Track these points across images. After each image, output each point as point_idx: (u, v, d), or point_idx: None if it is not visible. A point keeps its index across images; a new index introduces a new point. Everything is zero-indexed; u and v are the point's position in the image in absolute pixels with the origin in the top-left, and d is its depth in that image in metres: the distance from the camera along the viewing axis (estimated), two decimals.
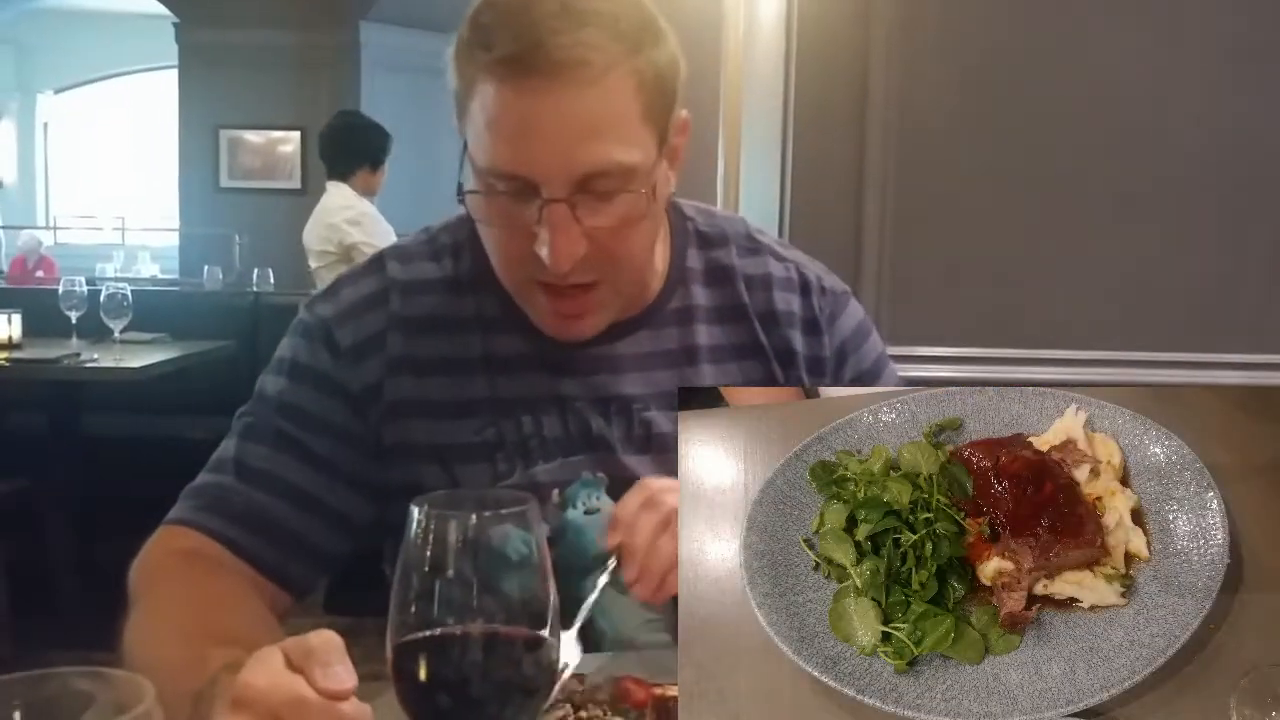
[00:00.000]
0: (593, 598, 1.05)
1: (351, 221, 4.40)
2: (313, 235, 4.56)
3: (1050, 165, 2.44)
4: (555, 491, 1.18)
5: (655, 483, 1.06)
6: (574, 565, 1.17)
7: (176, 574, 1.11)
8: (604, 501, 1.18)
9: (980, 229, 2.44)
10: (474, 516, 0.71)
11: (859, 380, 1.31)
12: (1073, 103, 2.43)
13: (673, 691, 0.96)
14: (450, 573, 0.71)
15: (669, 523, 1.02)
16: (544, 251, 1.06)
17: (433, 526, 0.71)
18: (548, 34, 1.00)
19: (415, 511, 0.72)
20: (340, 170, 4.59)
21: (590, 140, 1.04)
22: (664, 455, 1.20)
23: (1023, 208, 2.45)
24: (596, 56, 1.02)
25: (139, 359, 3.89)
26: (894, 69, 2.39)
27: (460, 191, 1.10)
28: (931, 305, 2.44)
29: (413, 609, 0.71)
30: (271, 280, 6.26)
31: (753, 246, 1.30)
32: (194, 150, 8.78)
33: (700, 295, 1.26)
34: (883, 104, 2.40)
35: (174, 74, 8.95)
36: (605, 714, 0.99)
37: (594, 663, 1.10)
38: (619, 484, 1.18)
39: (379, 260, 1.25)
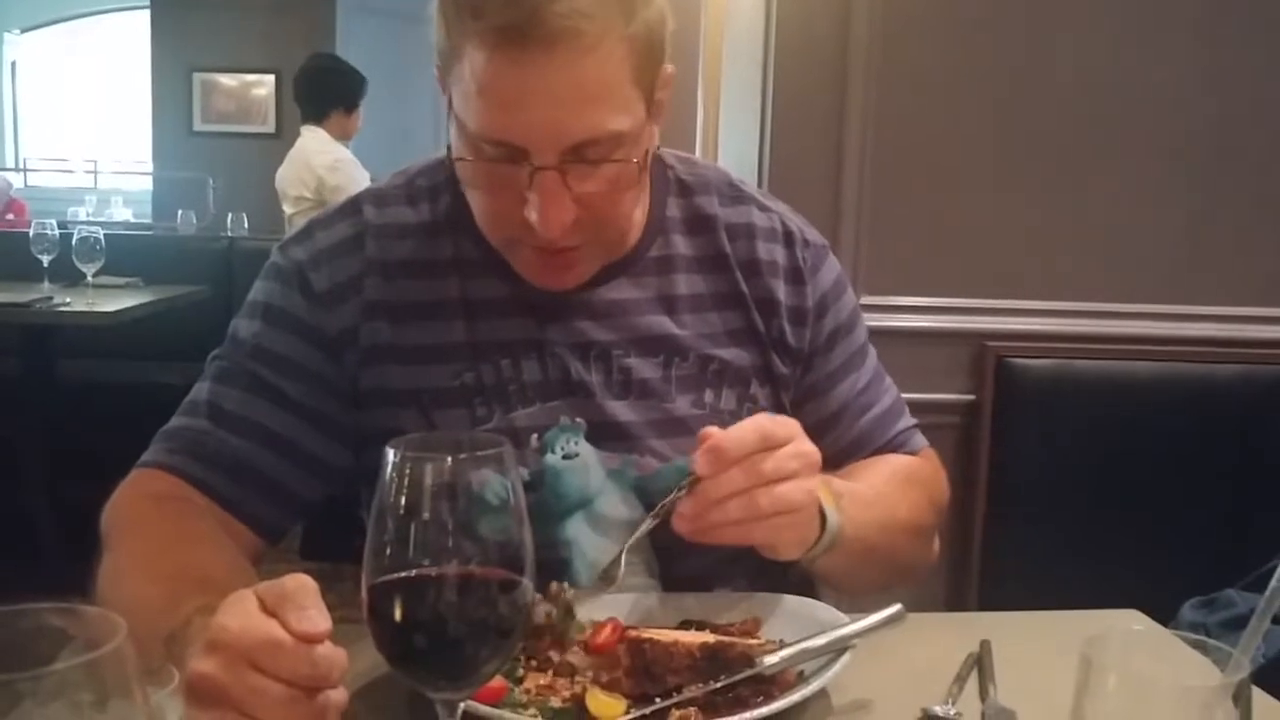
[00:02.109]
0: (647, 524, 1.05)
1: (328, 167, 4.37)
2: (287, 179, 4.52)
3: (1026, 120, 2.43)
4: (534, 436, 1.18)
5: (771, 433, 1.01)
6: (553, 510, 1.17)
7: (149, 517, 1.11)
8: (583, 447, 1.18)
9: (957, 181, 2.44)
10: (449, 459, 0.71)
11: (836, 332, 1.30)
12: (1048, 61, 2.42)
13: (648, 633, 0.97)
14: (426, 515, 0.71)
15: (752, 486, 0.99)
16: (533, 217, 1.05)
17: (408, 469, 0.71)
18: (543, 2, 0.98)
19: (390, 454, 0.72)
20: (315, 113, 4.55)
21: (583, 109, 1.02)
22: (644, 401, 1.20)
23: (999, 161, 2.44)
24: (590, 25, 1.00)
25: (112, 303, 3.86)
26: (875, 22, 2.38)
27: (449, 157, 1.09)
28: (909, 256, 2.44)
29: (388, 551, 0.71)
30: (246, 225, 6.21)
31: (736, 195, 1.30)
32: (166, 93, 8.66)
33: (681, 244, 1.26)
34: (864, 56, 2.38)
35: (146, 14, 8.81)
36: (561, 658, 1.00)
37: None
38: (598, 429, 1.19)
39: (354, 203, 1.24)
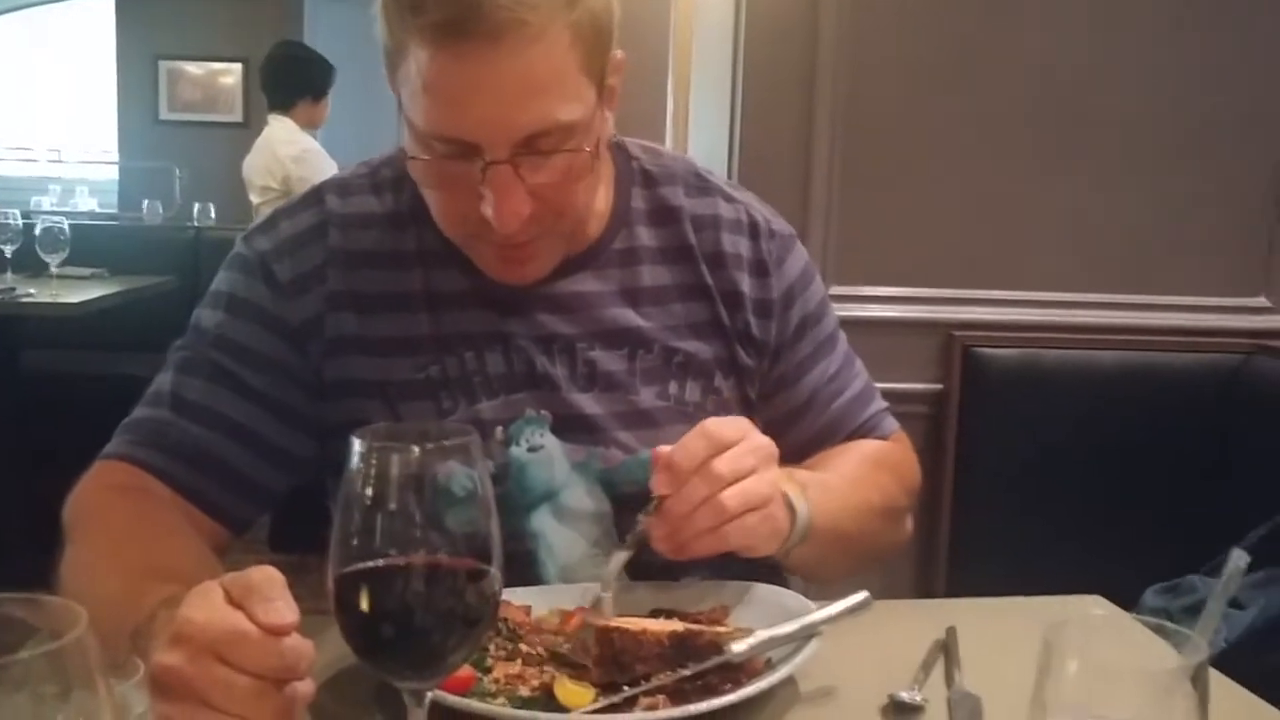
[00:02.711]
0: (622, 556, 1.06)
1: (294, 157, 4.33)
2: (254, 169, 4.48)
3: (993, 112, 2.45)
4: (499, 429, 1.18)
5: (720, 436, 1.02)
6: (518, 502, 1.17)
7: (113, 509, 1.10)
8: (548, 439, 1.18)
9: (925, 172, 2.46)
10: (416, 449, 0.71)
11: (804, 322, 1.31)
12: (1015, 51, 2.44)
13: (616, 622, 0.98)
14: (392, 506, 0.71)
15: (714, 491, 1.00)
16: (489, 212, 1.05)
17: (374, 459, 0.71)
18: None
19: (356, 444, 0.71)
20: (282, 102, 4.51)
21: (531, 100, 1.02)
22: (608, 393, 1.20)
23: (967, 152, 2.46)
24: (533, 15, 0.99)
25: (77, 294, 3.83)
26: (844, 14, 2.38)
27: (401, 151, 1.09)
28: (877, 246, 2.45)
29: (354, 542, 0.71)
30: (213, 214, 6.15)
31: (701, 186, 1.30)
32: (132, 82, 8.57)
33: (645, 235, 1.26)
34: (833, 48, 2.39)
35: (110, 1, 8.71)
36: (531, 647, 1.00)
37: (541, 596, 1.11)
38: (563, 422, 1.19)
39: (317, 193, 1.23)
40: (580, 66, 1.04)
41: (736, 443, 1.02)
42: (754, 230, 1.29)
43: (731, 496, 1.00)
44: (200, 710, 0.73)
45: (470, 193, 1.05)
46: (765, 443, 1.05)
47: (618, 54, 1.12)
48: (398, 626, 0.71)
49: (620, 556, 1.06)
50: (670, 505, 1.01)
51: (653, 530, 1.02)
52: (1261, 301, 2.55)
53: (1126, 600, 1.18)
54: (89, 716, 0.48)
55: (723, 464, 1.00)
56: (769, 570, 1.22)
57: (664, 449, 1.02)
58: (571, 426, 1.19)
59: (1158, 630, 0.70)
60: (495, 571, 0.73)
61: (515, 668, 0.98)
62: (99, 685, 0.49)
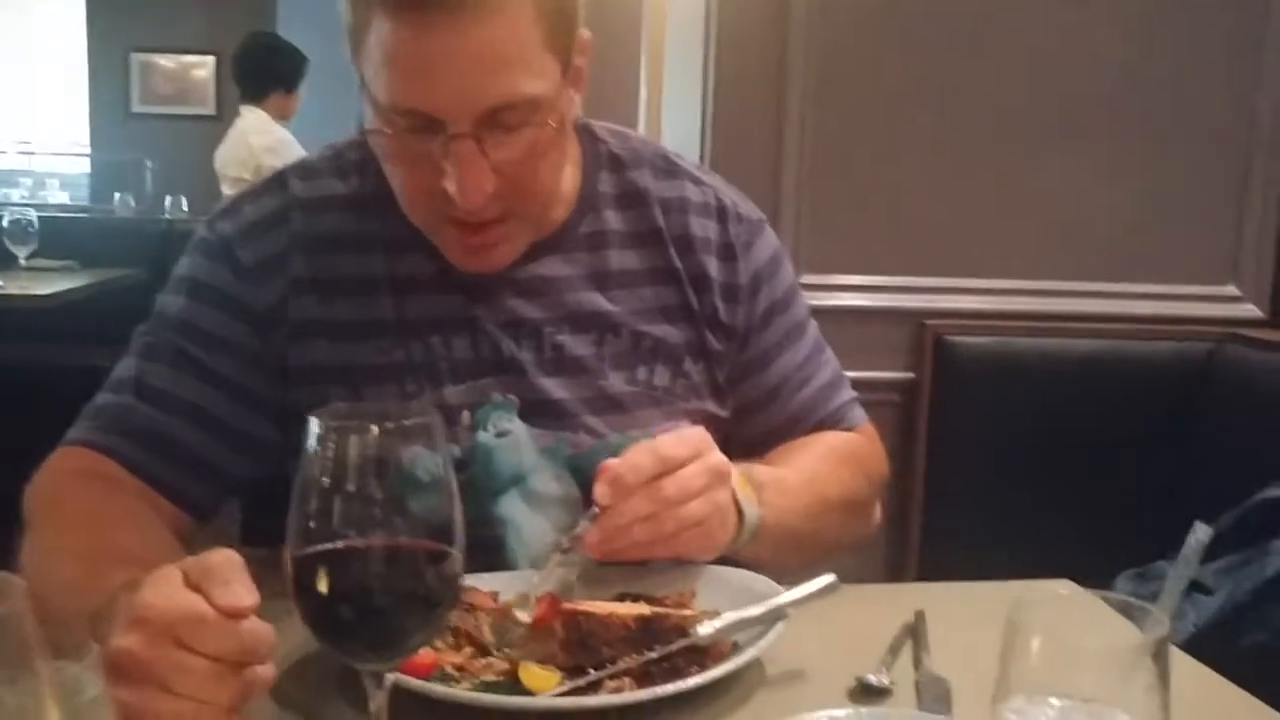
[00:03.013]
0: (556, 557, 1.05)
1: (266, 148, 4.32)
2: (226, 160, 4.46)
3: (965, 101, 2.45)
4: (466, 414, 1.17)
5: (669, 456, 1.02)
6: (486, 488, 1.17)
7: (74, 494, 1.09)
8: (515, 424, 1.17)
9: (897, 161, 2.46)
10: (375, 429, 0.70)
11: (772, 308, 1.30)
12: (990, 38, 2.44)
13: (583, 606, 0.97)
14: (351, 487, 0.70)
15: (655, 511, 1.00)
16: (452, 188, 1.04)
17: (332, 439, 0.70)
18: None
19: (314, 424, 0.70)
20: (254, 93, 4.49)
21: (493, 73, 1.01)
22: (576, 378, 1.20)
23: (941, 140, 2.46)
24: None
25: (46, 286, 3.80)
26: (816, 1, 2.38)
27: (361, 130, 1.08)
28: (849, 235, 2.45)
29: (312, 523, 0.70)
30: (185, 207, 6.11)
31: (670, 169, 1.29)
32: (103, 74, 8.50)
33: (613, 219, 1.25)
34: (805, 35, 2.39)
35: None
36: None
37: (509, 582, 1.10)
38: (531, 407, 1.18)
39: (281, 178, 1.22)
40: (544, 42, 1.04)
41: (688, 462, 1.02)
42: (722, 214, 1.28)
43: (670, 519, 1.01)
44: (157, 694, 0.72)
45: (433, 169, 1.05)
46: (717, 462, 1.05)
47: (584, 34, 1.12)
48: (356, 608, 0.71)
49: (555, 557, 1.05)
50: (609, 517, 1.01)
51: (586, 535, 1.02)
52: (1231, 290, 2.56)
53: (1097, 586, 1.18)
54: (25, 694, 0.47)
55: (670, 485, 1.01)
56: (738, 560, 1.21)
57: (612, 461, 1.02)
58: (539, 411, 1.18)
59: (1120, 607, 0.70)
60: (456, 553, 0.72)
61: (461, 656, 0.97)
62: (36, 660, 0.48)
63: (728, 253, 1.27)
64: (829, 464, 1.27)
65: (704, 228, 1.27)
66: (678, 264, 1.25)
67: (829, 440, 1.32)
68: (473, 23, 0.99)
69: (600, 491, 1.00)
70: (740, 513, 1.08)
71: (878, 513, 1.36)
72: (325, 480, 0.70)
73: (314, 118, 4.90)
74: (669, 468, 1.01)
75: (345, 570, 0.70)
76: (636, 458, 1.01)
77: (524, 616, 0.98)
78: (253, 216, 1.19)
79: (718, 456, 1.05)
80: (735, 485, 1.07)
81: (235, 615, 0.73)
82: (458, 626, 0.99)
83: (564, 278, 1.21)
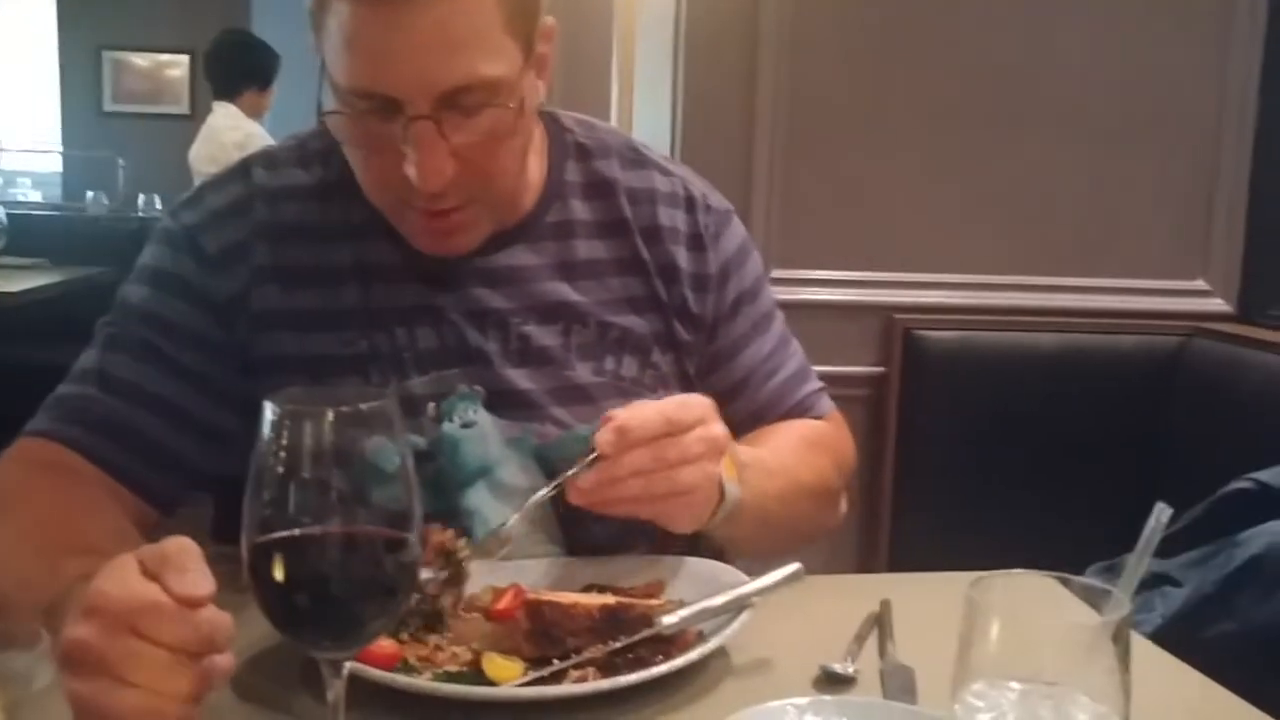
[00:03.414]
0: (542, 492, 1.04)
1: (238, 143, 4.29)
2: (199, 157, 4.44)
3: (932, 96, 2.46)
4: (431, 405, 1.16)
5: (677, 419, 1.01)
6: (452, 479, 1.16)
7: (32, 486, 1.08)
8: (481, 415, 1.17)
9: (866, 156, 2.46)
10: (330, 415, 0.69)
11: (740, 299, 1.30)
12: (955, 36, 2.45)
13: (547, 596, 0.97)
14: (306, 474, 0.69)
15: (653, 470, 0.99)
16: (412, 171, 1.03)
17: (287, 425, 0.69)
18: None
19: (269, 410, 0.70)
20: (227, 90, 4.47)
21: (452, 54, 1.00)
22: (543, 369, 1.19)
23: (910, 135, 2.47)
24: None
25: (16, 284, 3.78)
26: None
27: (320, 112, 1.07)
28: (819, 230, 2.46)
29: (268, 511, 0.69)
30: (157, 205, 6.05)
31: (637, 159, 1.29)
32: (75, 73, 8.41)
33: (580, 209, 1.24)
34: (775, 30, 2.39)
35: None
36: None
37: (474, 572, 1.09)
38: (497, 397, 1.17)
39: (244, 167, 1.21)
40: (504, 25, 1.03)
41: (692, 428, 1.01)
42: (690, 204, 1.28)
43: (664, 480, 1.00)
44: (113, 685, 0.71)
45: (393, 153, 1.04)
46: (719, 434, 1.04)
47: (549, 21, 1.11)
48: (312, 595, 0.70)
49: (543, 492, 1.04)
50: (607, 466, 0.99)
51: (579, 480, 1.00)
52: (1200, 285, 2.58)
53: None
54: None
55: (673, 447, 1.00)
56: (711, 549, 1.21)
57: (619, 411, 1.00)
58: (505, 402, 1.17)
59: (1080, 591, 0.71)
60: (413, 539, 0.72)
61: (426, 649, 0.96)
62: None
63: (696, 243, 1.27)
64: (802, 450, 1.28)
65: (672, 218, 1.26)
66: (645, 254, 1.24)
67: (800, 428, 1.32)
68: (431, 4, 0.98)
69: (604, 439, 0.99)
70: (721, 491, 1.07)
71: (844, 502, 1.36)
72: (280, 467, 0.69)
73: (288, 114, 4.88)
74: (673, 430, 1.00)
75: (301, 557, 0.69)
76: (646, 414, 1.00)
77: (500, 544, 1.00)
78: (215, 205, 1.18)
79: (720, 428, 1.05)
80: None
81: (192, 604, 0.72)
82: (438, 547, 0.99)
83: (530, 267, 1.20)
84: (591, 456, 1.00)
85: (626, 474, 0.99)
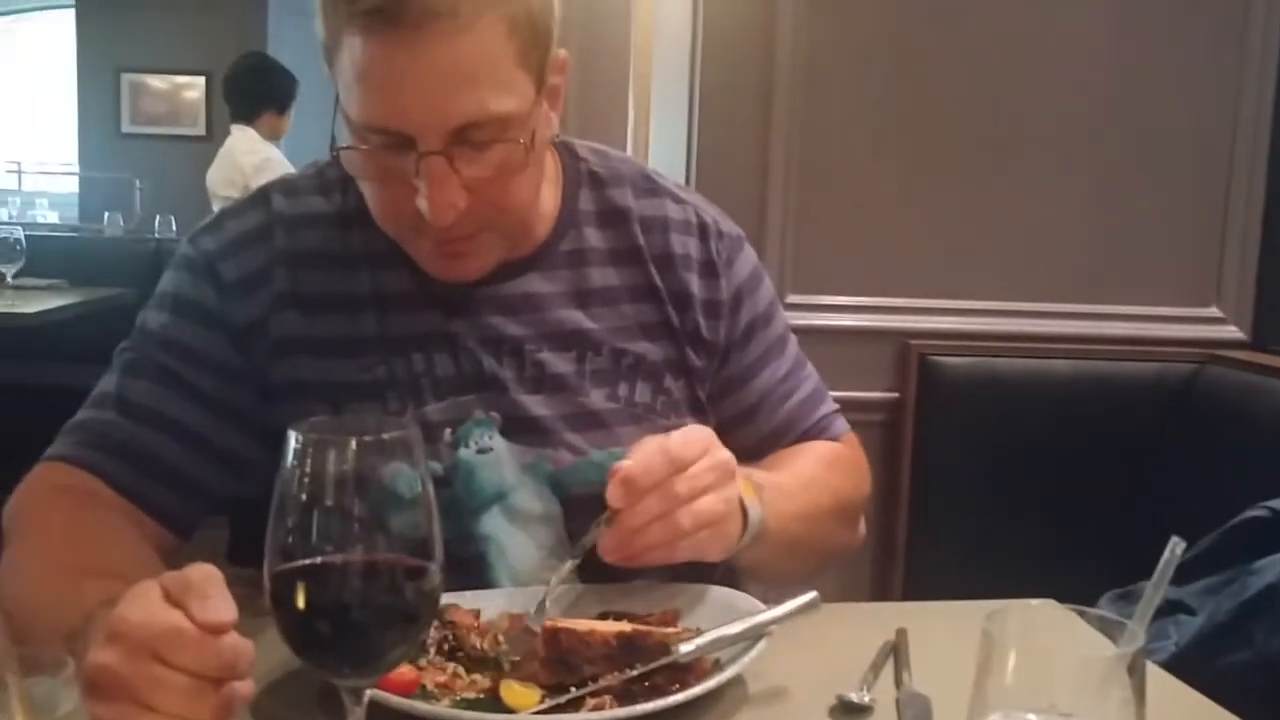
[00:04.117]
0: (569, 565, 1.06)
1: (255, 166, 4.32)
2: (216, 180, 4.47)
3: (951, 121, 2.46)
4: (448, 431, 1.17)
5: (680, 455, 1.01)
6: (467, 505, 1.17)
7: (53, 510, 1.09)
8: (496, 441, 1.18)
9: (881, 183, 2.47)
10: (353, 443, 0.70)
11: (754, 323, 1.31)
12: (970, 64, 2.46)
13: (564, 623, 0.97)
14: (329, 502, 0.70)
15: (669, 509, 1.00)
16: (424, 205, 1.04)
17: (311, 453, 0.70)
18: None
19: (293, 438, 0.71)
20: (245, 114, 4.50)
21: (463, 90, 1.01)
22: (557, 395, 1.20)
23: (925, 161, 2.47)
24: (464, 4, 0.99)
25: (34, 305, 3.80)
26: (801, 27, 2.39)
27: (334, 147, 1.08)
28: (834, 256, 2.46)
29: (290, 538, 0.70)
30: (174, 227, 6.11)
31: (650, 188, 1.30)
32: (93, 94, 8.50)
33: (593, 237, 1.25)
34: (789, 60, 2.40)
35: (72, 14, 8.64)
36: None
37: (491, 600, 1.10)
38: (512, 424, 1.18)
39: (263, 194, 1.23)
40: (516, 59, 1.04)
41: (697, 460, 1.02)
42: (703, 231, 1.29)
43: (686, 515, 1.01)
44: (135, 710, 0.72)
45: (405, 186, 1.05)
46: (725, 459, 1.05)
47: (561, 53, 1.12)
48: (334, 623, 0.70)
49: (569, 565, 1.06)
50: (624, 519, 1.01)
51: (602, 541, 1.02)
52: (1214, 312, 2.57)
53: (1080, 606, 1.18)
54: None
55: (682, 484, 1.01)
56: (725, 573, 1.22)
57: (623, 463, 1.01)
58: (520, 428, 1.18)
59: (1096, 622, 0.71)
60: (434, 567, 0.72)
61: (445, 676, 0.96)
62: (6, 675, 0.47)
63: (709, 269, 1.28)
64: (821, 470, 1.29)
65: (684, 245, 1.27)
66: (658, 282, 1.25)
67: (818, 448, 1.33)
68: (442, 40, 0.99)
69: (613, 494, 1.00)
70: (744, 513, 1.08)
71: (863, 524, 1.37)
72: (304, 495, 0.70)
73: (306, 139, 4.91)
74: (680, 467, 1.01)
75: (323, 585, 0.70)
76: (648, 459, 1.01)
77: (537, 627, 0.99)
78: (235, 233, 1.19)
79: (725, 453, 1.05)
80: (739, 488, 1.08)
81: (214, 630, 0.73)
82: (459, 642, 0.99)
83: (545, 295, 1.21)
84: (607, 514, 1.01)
85: (644, 522, 1.00)
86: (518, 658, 0.98)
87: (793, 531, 1.16)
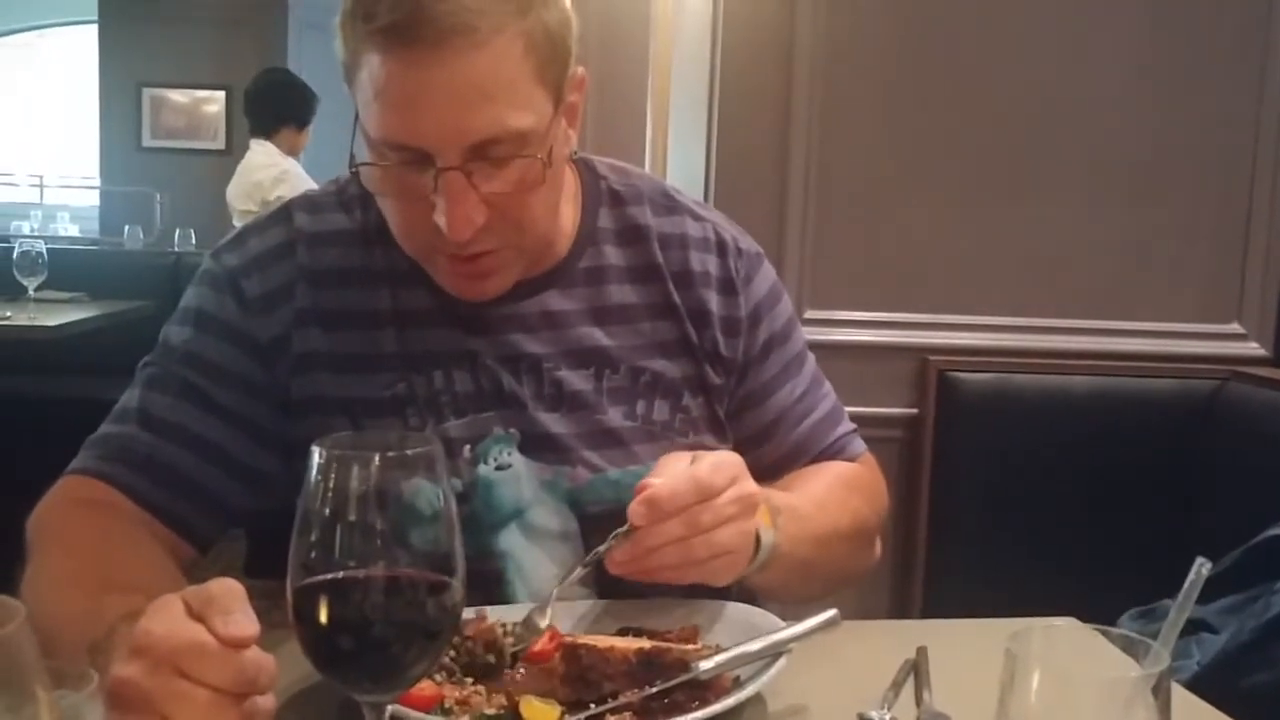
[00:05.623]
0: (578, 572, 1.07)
1: (273, 179, 4.35)
2: (236, 192, 4.50)
3: (967, 140, 2.47)
4: (467, 447, 1.17)
5: (709, 484, 1.02)
6: (484, 521, 1.17)
7: (76, 523, 1.09)
8: (515, 458, 1.18)
9: (900, 198, 2.47)
10: (376, 459, 0.70)
11: (771, 341, 1.31)
12: (989, 82, 2.46)
13: (584, 640, 0.97)
14: (352, 517, 0.70)
15: (688, 535, 1.01)
16: (442, 221, 1.05)
17: (334, 469, 0.70)
18: (430, 0, 0.98)
19: (316, 453, 0.71)
20: (265, 128, 4.53)
21: (481, 106, 1.02)
22: (575, 413, 1.20)
23: (941, 179, 2.47)
24: (482, 21, 0.99)
25: (55, 318, 3.81)
26: (819, 42, 2.40)
27: (353, 164, 1.09)
28: (853, 272, 2.46)
29: (313, 553, 0.70)
30: (194, 240, 6.14)
31: (669, 205, 1.30)
32: (115, 108, 8.56)
33: (613, 254, 1.25)
34: (808, 74, 2.40)
35: (94, 29, 8.71)
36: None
37: (508, 615, 1.10)
38: (530, 441, 1.19)
39: (286, 211, 1.23)
40: (534, 76, 1.04)
41: (724, 490, 1.02)
42: (722, 248, 1.29)
43: (703, 544, 1.01)
44: None
45: (424, 202, 1.05)
46: (752, 491, 1.05)
47: (578, 70, 1.13)
48: (356, 638, 0.71)
49: (578, 571, 1.07)
50: (642, 537, 1.01)
51: (614, 553, 1.02)
52: (1235, 328, 2.56)
53: (1102, 623, 1.17)
54: (20, 717, 0.47)
55: (706, 514, 1.01)
56: (744, 592, 1.21)
57: (652, 480, 1.02)
58: (539, 445, 1.18)
59: (1120, 642, 0.70)
60: (456, 583, 0.73)
61: (462, 692, 0.96)
62: (36, 689, 0.47)
63: (728, 287, 1.28)
64: (838, 492, 1.28)
65: (703, 262, 1.27)
66: (677, 299, 1.25)
67: (836, 469, 1.33)
68: (460, 57, 0.99)
69: (636, 511, 1.00)
70: (757, 539, 1.08)
71: (879, 544, 1.36)
72: (326, 510, 0.70)
73: (326, 154, 4.94)
74: (706, 496, 1.01)
75: (345, 600, 0.70)
76: (676, 484, 1.01)
77: (543, 623, 1.00)
78: (258, 249, 1.20)
79: (751, 485, 1.05)
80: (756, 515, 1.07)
81: (237, 645, 0.73)
82: (471, 645, 0.99)
83: (563, 312, 1.22)
84: (624, 529, 1.02)
85: (661, 544, 1.01)
86: (519, 648, 1.00)
87: (805, 555, 1.16)
